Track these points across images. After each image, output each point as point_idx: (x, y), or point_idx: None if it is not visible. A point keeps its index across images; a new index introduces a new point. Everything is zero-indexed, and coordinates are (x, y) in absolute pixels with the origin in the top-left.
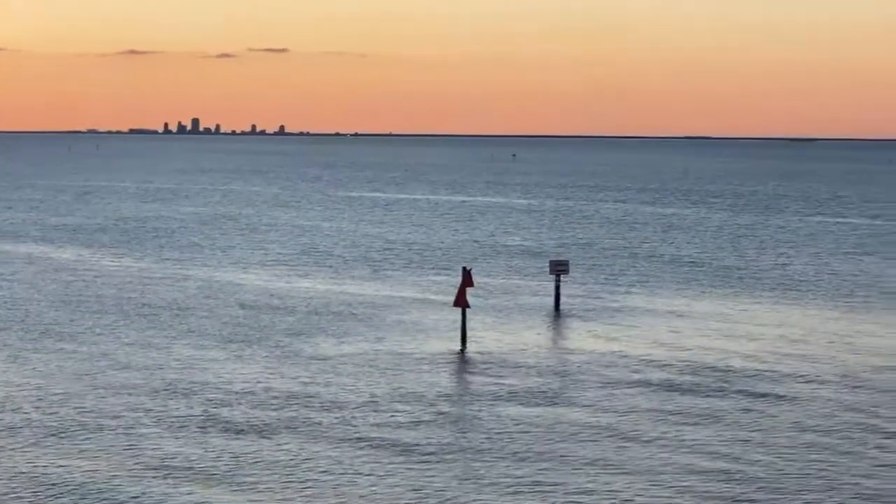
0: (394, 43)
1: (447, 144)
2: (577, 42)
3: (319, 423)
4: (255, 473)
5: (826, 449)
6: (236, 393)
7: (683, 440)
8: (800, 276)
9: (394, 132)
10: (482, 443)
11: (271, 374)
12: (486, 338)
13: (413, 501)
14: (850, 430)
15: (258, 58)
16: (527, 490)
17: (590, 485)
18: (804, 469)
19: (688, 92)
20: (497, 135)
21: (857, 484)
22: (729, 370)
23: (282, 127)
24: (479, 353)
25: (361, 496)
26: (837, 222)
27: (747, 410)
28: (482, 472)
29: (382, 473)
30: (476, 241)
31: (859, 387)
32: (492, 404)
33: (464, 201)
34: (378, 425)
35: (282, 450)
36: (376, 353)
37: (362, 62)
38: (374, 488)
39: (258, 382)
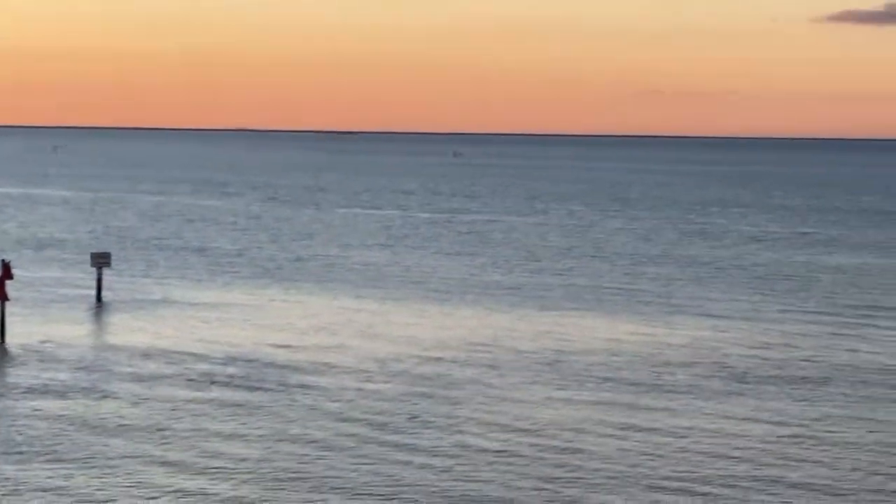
0: None
1: None
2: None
3: None
4: None
5: (353, 435)
6: None
7: (220, 432)
8: (331, 267)
9: None
10: (15, 437)
11: None
12: (25, 331)
13: None
14: (370, 423)
15: None
16: (60, 484)
17: (128, 477)
18: (335, 457)
19: (236, 86)
20: (39, 126)
21: (389, 475)
22: (263, 361)
23: None
24: (17, 346)
25: None
26: (370, 214)
27: (279, 401)
28: (11, 469)
29: None
30: (7, 233)
31: (387, 376)
32: (28, 398)
33: None
34: None
35: None
36: None
37: None
38: None
39: None
